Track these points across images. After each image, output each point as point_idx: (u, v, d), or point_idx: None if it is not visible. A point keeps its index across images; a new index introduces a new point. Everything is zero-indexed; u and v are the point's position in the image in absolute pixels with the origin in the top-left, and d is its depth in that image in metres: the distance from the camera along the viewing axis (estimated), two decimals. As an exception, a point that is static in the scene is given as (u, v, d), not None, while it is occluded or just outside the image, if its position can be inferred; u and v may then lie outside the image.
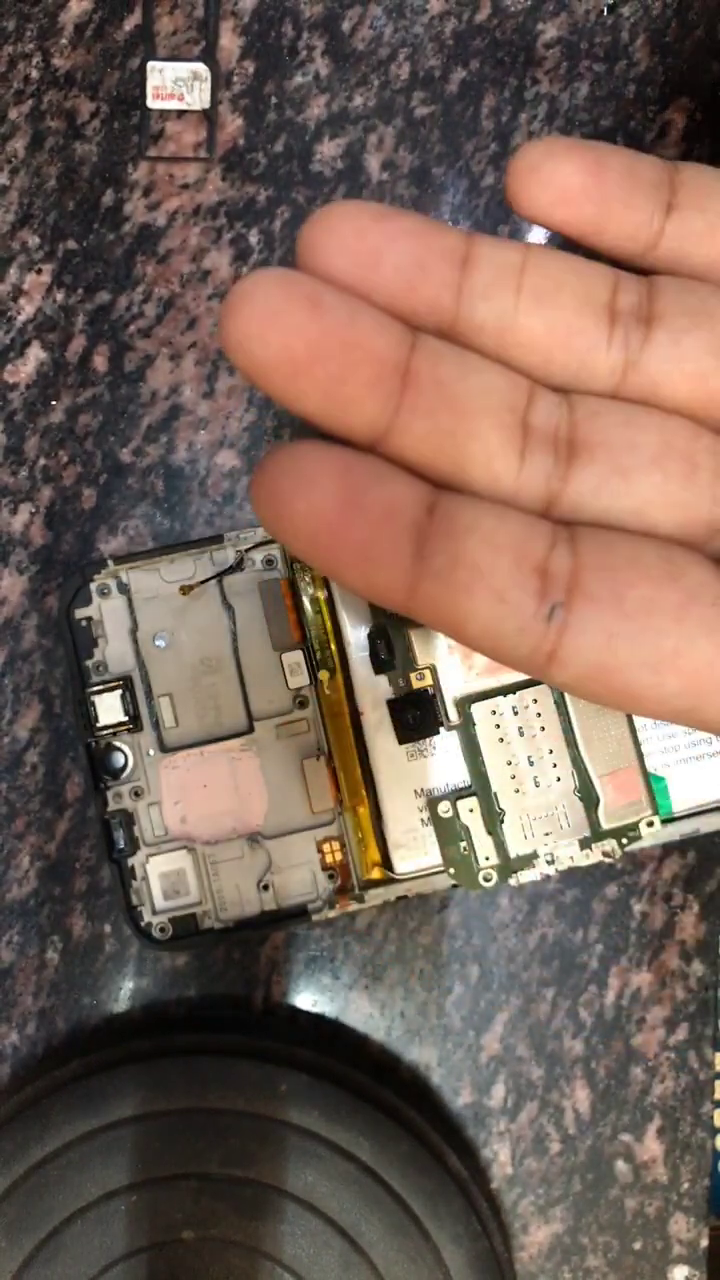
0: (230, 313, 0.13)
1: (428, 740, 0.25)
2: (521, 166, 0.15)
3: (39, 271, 0.28)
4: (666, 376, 0.15)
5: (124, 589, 0.26)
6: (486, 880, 0.24)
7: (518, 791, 0.24)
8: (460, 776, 0.25)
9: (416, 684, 0.25)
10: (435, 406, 0.14)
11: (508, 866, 0.24)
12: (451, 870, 0.24)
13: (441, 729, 0.25)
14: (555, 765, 0.24)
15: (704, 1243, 0.28)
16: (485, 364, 0.14)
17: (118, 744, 0.26)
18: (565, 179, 0.15)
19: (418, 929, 0.28)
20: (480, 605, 0.13)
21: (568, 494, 0.14)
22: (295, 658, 0.26)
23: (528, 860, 0.24)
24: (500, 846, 0.24)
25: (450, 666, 0.25)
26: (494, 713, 0.25)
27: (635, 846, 0.25)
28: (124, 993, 0.28)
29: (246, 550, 0.26)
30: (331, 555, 0.13)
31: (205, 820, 0.26)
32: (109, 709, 0.26)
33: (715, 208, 0.15)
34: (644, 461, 0.14)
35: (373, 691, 0.25)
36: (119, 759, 0.26)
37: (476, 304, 0.14)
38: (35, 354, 0.28)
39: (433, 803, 0.24)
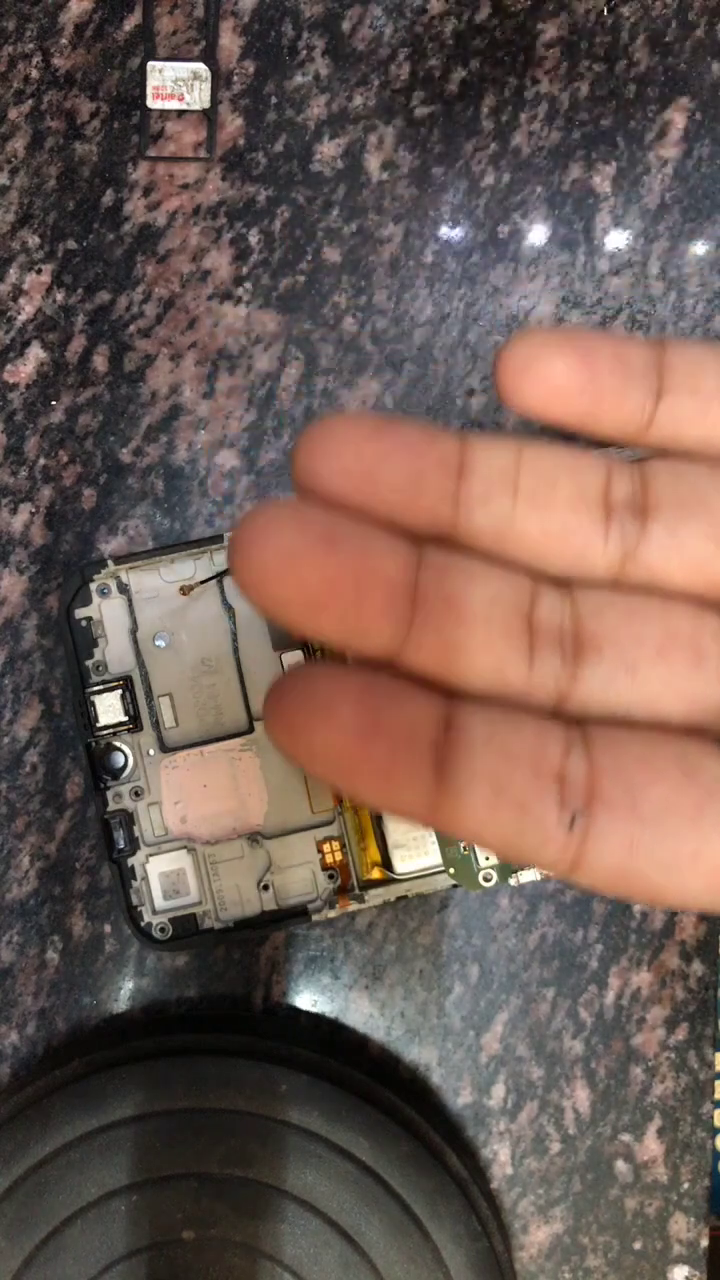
0: (243, 551, 0.13)
1: (428, 740, 0.25)
2: (511, 367, 0.15)
3: (39, 271, 0.28)
4: (665, 566, 0.15)
5: (124, 589, 0.26)
6: (486, 880, 0.24)
7: (518, 791, 0.24)
8: (460, 776, 0.25)
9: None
10: (444, 623, 0.14)
11: (508, 866, 0.24)
12: (451, 870, 0.24)
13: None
14: (555, 765, 0.24)
15: (704, 1243, 0.28)
16: (488, 571, 0.15)
17: (118, 744, 0.26)
18: (557, 377, 0.15)
19: (418, 929, 0.28)
20: (503, 817, 0.14)
21: (577, 691, 0.15)
22: (295, 658, 0.26)
23: (528, 860, 0.24)
24: (500, 846, 0.24)
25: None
26: (494, 713, 0.24)
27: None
28: (124, 993, 0.28)
29: (246, 550, 0.26)
30: (352, 779, 0.13)
31: (205, 820, 0.26)
32: (109, 709, 0.26)
33: (705, 388, 0.15)
34: (650, 654, 0.14)
35: (373, 691, 0.25)
36: (119, 759, 0.26)
37: (475, 510, 0.15)
38: (35, 354, 0.28)
39: (433, 803, 0.24)
